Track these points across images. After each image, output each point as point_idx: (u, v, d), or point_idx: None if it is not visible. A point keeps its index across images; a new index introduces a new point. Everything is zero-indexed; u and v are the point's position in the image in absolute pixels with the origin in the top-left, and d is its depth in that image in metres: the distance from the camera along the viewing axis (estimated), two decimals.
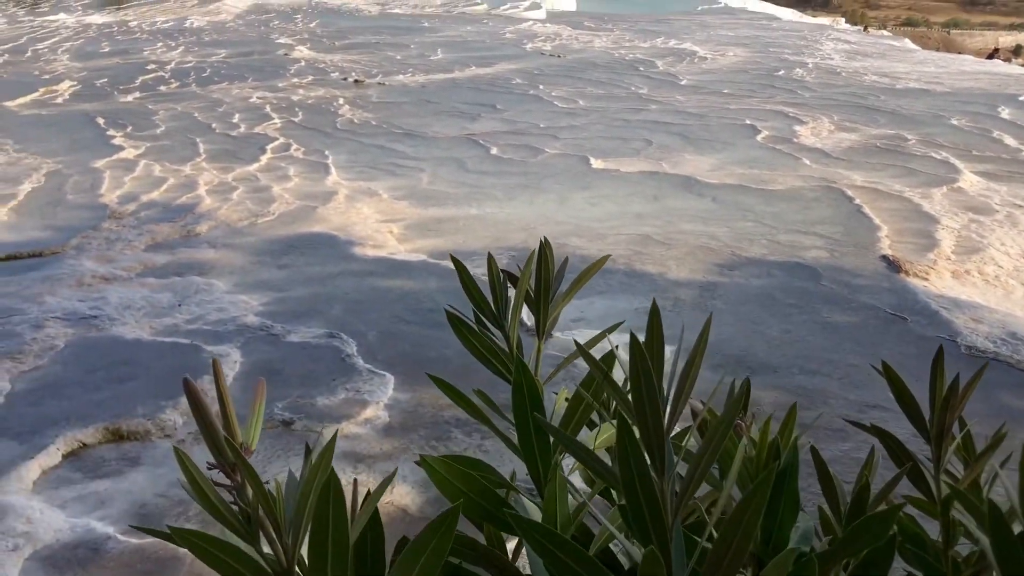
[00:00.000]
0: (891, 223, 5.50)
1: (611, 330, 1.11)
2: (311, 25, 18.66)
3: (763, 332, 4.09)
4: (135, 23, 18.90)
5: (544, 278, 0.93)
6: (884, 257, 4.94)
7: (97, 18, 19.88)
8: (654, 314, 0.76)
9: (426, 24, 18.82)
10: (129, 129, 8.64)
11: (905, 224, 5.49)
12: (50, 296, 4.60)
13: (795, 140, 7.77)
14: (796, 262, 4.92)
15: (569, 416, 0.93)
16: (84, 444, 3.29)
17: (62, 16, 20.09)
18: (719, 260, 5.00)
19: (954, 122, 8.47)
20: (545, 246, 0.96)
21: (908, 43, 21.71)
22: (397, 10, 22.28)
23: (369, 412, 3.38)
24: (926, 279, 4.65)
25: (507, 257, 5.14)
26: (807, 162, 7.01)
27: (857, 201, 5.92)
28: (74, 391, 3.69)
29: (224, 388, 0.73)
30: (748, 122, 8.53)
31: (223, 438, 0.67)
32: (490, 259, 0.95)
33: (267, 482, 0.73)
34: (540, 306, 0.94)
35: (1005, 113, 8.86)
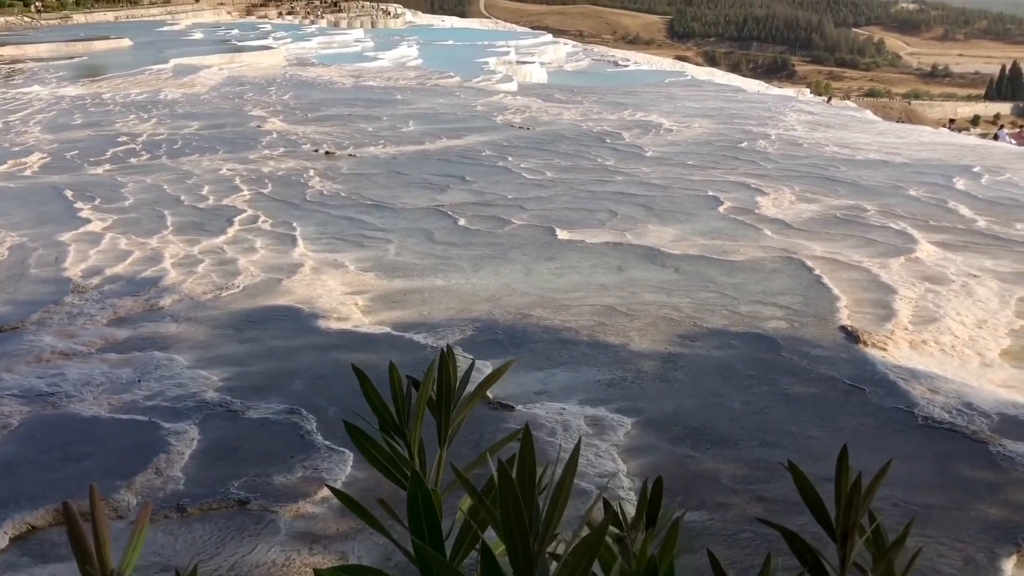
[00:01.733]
0: (850, 293, 5.59)
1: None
2: (285, 97, 18.89)
3: (723, 404, 4.12)
4: (109, 95, 19.03)
5: (446, 385, 0.95)
6: (843, 328, 5.01)
7: (71, 90, 20.00)
8: (526, 439, 0.77)
9: (399, 96, 19.11)
10: (97, 202, 8.64)
11: (864, 294, 5.59)
12: (6, 373, 4.54)
13: (757, 211, 7.92)
14: (757, 333, 4.97)
15: (464, 531, 0.94)
16: (33, 527, 3.22)
17: (36, 88, 20.21)
18: (681, 331, 5.05)
19: (912, 192, 8.68)
20: (447, 355, 0.97)
21: (869, 114, 22.32)
22: (371, 82, 22.62)
23: (326, 491, 3.34)
24: (884, 349, 4.71)
25: (472, 329, 5.16)
26: (768, 233, 7.13)
27: (817, 271, 6.02)
28: (26, 471, 3.63)
29: (99, 515, 0.73)
30: (711, 193, 8.69)
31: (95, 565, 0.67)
32: (391, 368, 0.96)
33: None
34: (442, 413, 0.95)
35: (960, 184, 9.10)
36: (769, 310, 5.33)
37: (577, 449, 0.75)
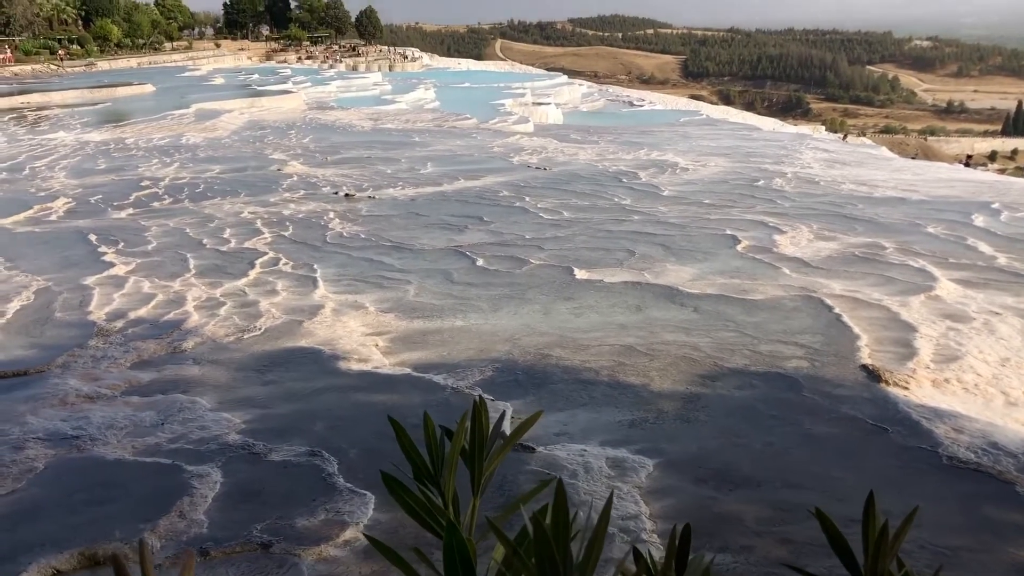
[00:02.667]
0: (870, 332, 5.57)
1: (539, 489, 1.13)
2: (304, 140, 19.14)
3: (746, 444, 4.10)
4: (132, 140, 19.35)
5: (479, 436, 0.97)
6: (864, 367, 4.99)
7: (95, 135, 20.35)
8: (559, 494, 0.79)
9: (417, 139, 19.33)
10: (121, 245, 8.76)
11: (884, 333, 5.56)
12: (32, 416, 4.59)
13: (775, 249, 7.92)
14: (778, 372, 4.95)
15: None
16: (58, 571, 3.24)
17: (61, 134, 20.57)
18: (701, 371, 5.04)
19: (930, 230, 8.66)
20: (479, 405, 0.99)
21: (885, 151, 22.37)
22: (389, 125, 22.90)
23: (348, 534, 3.35)
24: (906, 388, 4.68)
25: (491, 369, 5.17)
26: (787, 271, 7.13)
27: (836, 310, 6.00)
28: (51, 515, 3.65)
29: (148, 568, 0.75)
30: (729, 232, 8.71)
31: None
32: (426, 418, 0.98)
33: None
34: (475, 463, 0.97)
35: (979, 221, 9.08)
36: (790, 349, 5.31)
37: (610, 503, 0.76)
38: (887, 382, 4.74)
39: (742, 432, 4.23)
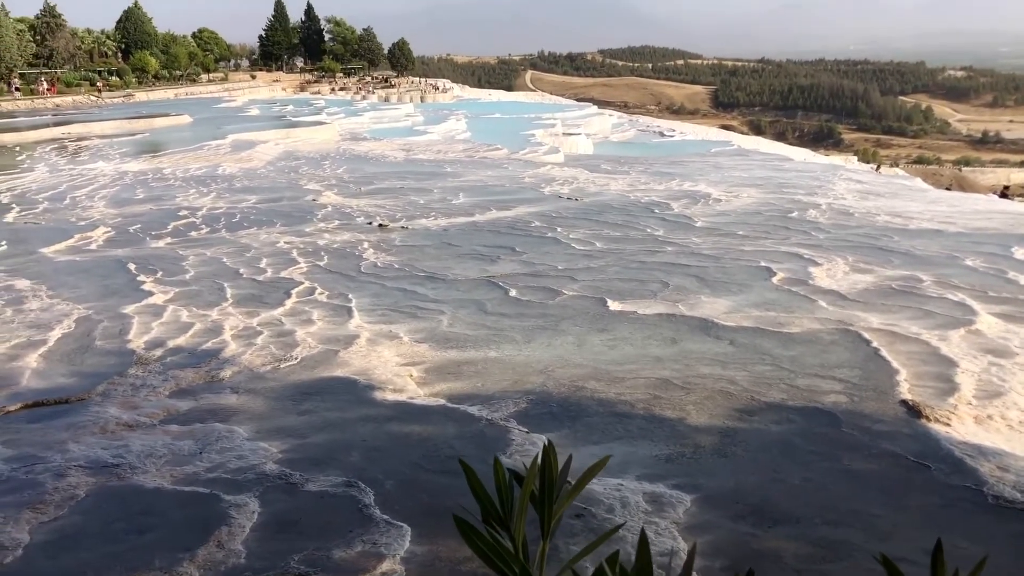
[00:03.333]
0: (909, 366, 5.50)
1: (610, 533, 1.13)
2: (339, 171, 19.37)
3: (784, 480, 4.05)
4: (169, 170, 19.71)
5: (548, 480, 0.97)
6: (904, 402, 4.93)
7: (134, 165, 20.76)
8: (642, 544, 0.79)
9: (448, 169, 19.49)
10: (159, 275, 8.90)
11: (924, 367, 5.49)
12: (74, 444, 4.65)
13: (810, 282, 7.86)
14: (816, 407, 4.90)
15: None
16: None
17: (100, 164, 21.00)
18: (738, 405, 5.00)
19: (969, 263, 8.56)
20: (549, 450, 1.00)
21: (920, 182, 22.19)
22: (421, 156, 23.13)
23: (386, 566, 3.35)
24: (948, 424, 4.61)
25: (525, 401, 5.17)
26: (823, 304, 7.07)
27: (874, 344, 5.94)
28: (92, 543, 3.69)
29: None
30: (763, 264, 8.66)
31: None
32: (496, 463, 0.99)
33: None
34: (544, 509, 0.97)
35: (1020, 254, 8.95)
36: (828, 384, 5.26)
37: (692, 559, 0.76)
38: (928, 418, 4.68)
39: (780, 467, 4.19)
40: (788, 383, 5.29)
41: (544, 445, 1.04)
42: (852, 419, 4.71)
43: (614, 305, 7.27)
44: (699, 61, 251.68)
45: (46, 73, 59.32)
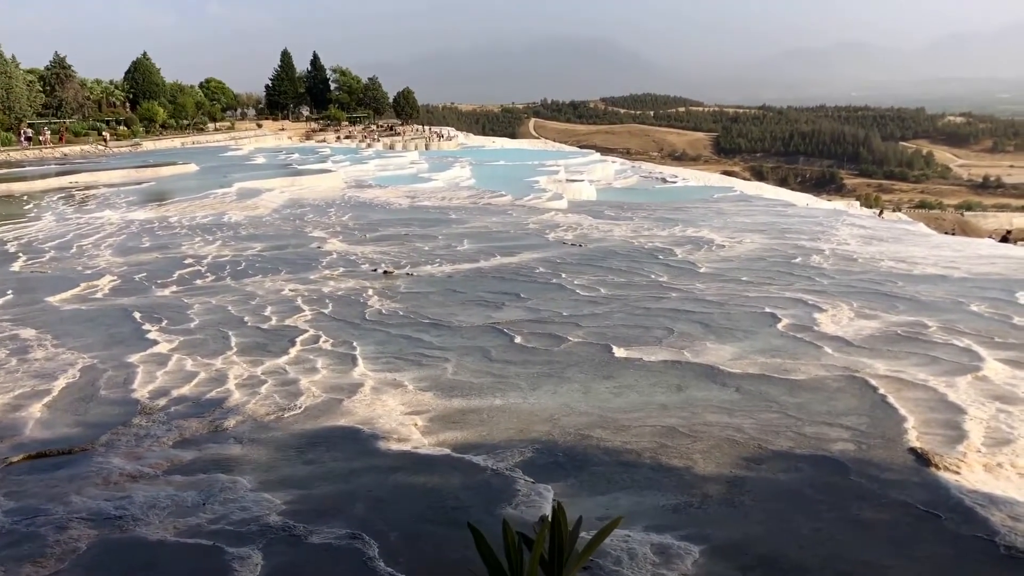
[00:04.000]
0: (917, 413, 5.47)
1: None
2: (344, 218, 19.49)
3: (793, 530, 4.01)
4: (175, 219, 19.84)
5: (558, 542, 0.96)
6: (912, 450, 4.89)
7: (140, 214, 20.90)
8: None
9: (453, 216, 19.60)
10: (164, 323, 8.91)
11: (931, 415, 5.46)
12: (76, 496, 4.62)
13: (815, 328, 7.85)
14: (823, 455, 4.86)
15: None
16: None
17: (107, 213, 21.15)
18: (745, 453, 4.96)
19: (974, 308, 8.55)
20: (559, 513, 0.99)
21: (923, 227, 22.22)
22: (426, 202, 23.27)
23: None
24: (957, 473, 4.57)
25: (531, 450, 5.13)
26: (829, 351, 7.05)
27: (881, 391, 5.91)
28: None
29: None
30: (768, 310, 8.66)
31: None
32: (505, 526, 0.98)
33: None
34: (555, 571, 0.96)
35: None
36: (835, 431, 5.22)
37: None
38: (937, 466, 4.63)
39: (789, 517, 4.14)
40: (795, 431, 5.26)
41: (553, 507, 1.03)
42: (860, 467, 4.67)
43: (619, 352, 7.25)
44: (700, 108, 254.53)
45: (49, 123, 60.00)
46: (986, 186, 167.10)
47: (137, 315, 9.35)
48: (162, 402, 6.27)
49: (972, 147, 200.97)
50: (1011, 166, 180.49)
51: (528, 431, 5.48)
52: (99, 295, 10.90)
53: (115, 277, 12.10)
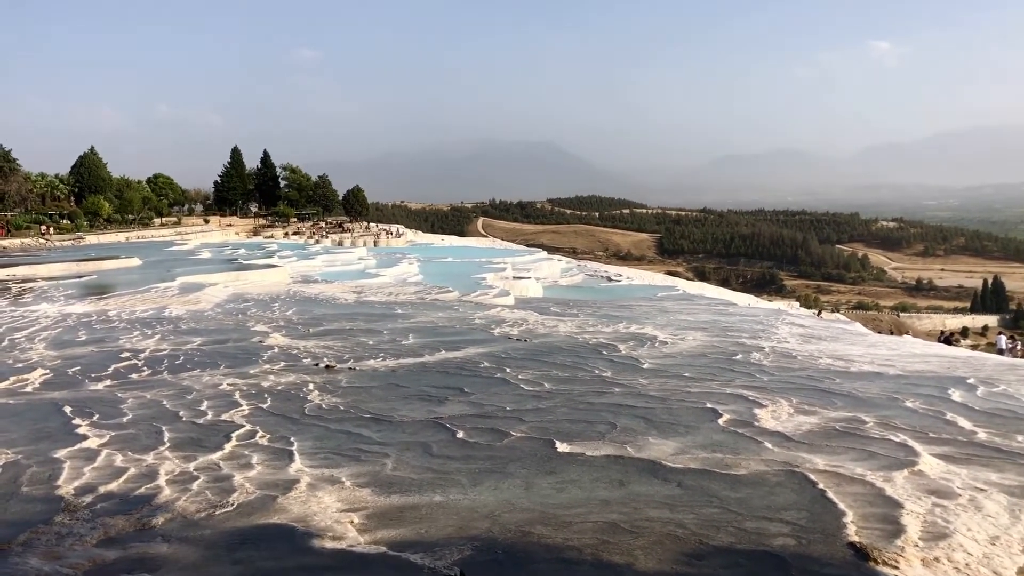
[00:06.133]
0: (856, 508, 5.49)
1: None
2: (288, 313, 19.31)
3: None
4: (115, 312, 19.44)
5: None
6: (852, 544, 4.89)
7: (78, 307, 20.44)
8: None
9: (399, 311, 19.55)
10: (96, 417, 8.62)
11: (870, 509, 5.48)
12: None
13: (756, 423, 7.91)
14: (764, 551, 4.84)
15: None
16: None
17: (44, 306, 20.65)
18: (687, 549, 4.91)
19: (909, 404, 8.72)
20: None
21: (859, 327, 22.79)
22: (373, 298, 23.22)
23: None
24: (896, 567, 4.57)
25: (470, 548, 5.02)
26: (769, 446, 7.10)
27: (820, 486, 5.94)
28: None
29: None
30: (709, 405, 8.72)
31: None
32: None
33: None
34: None
35: (956, 396, 9.16)
36: (775, 526, 5.21)
37: None
38: (876, 560, 4.64)
39: None
40: (736, 526, 5.23)
41: None
42: (801, 563, 4.65)
43: (562, 447, 7.20)
44: (644, 210, 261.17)
45: None
46: (920, 288, 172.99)
47: (68, 409, 9.04)
48: (88, 499, 6.01)
49: (905, 251, 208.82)
50: (942, 269, 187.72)
51: (468, 528, 5.36)
52: (29, 388, 10.53)
53: (47, 371, 11.74)
